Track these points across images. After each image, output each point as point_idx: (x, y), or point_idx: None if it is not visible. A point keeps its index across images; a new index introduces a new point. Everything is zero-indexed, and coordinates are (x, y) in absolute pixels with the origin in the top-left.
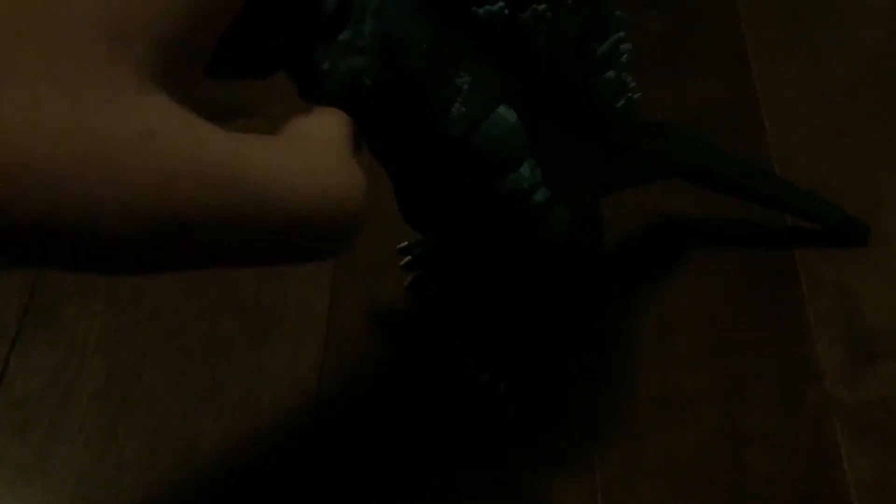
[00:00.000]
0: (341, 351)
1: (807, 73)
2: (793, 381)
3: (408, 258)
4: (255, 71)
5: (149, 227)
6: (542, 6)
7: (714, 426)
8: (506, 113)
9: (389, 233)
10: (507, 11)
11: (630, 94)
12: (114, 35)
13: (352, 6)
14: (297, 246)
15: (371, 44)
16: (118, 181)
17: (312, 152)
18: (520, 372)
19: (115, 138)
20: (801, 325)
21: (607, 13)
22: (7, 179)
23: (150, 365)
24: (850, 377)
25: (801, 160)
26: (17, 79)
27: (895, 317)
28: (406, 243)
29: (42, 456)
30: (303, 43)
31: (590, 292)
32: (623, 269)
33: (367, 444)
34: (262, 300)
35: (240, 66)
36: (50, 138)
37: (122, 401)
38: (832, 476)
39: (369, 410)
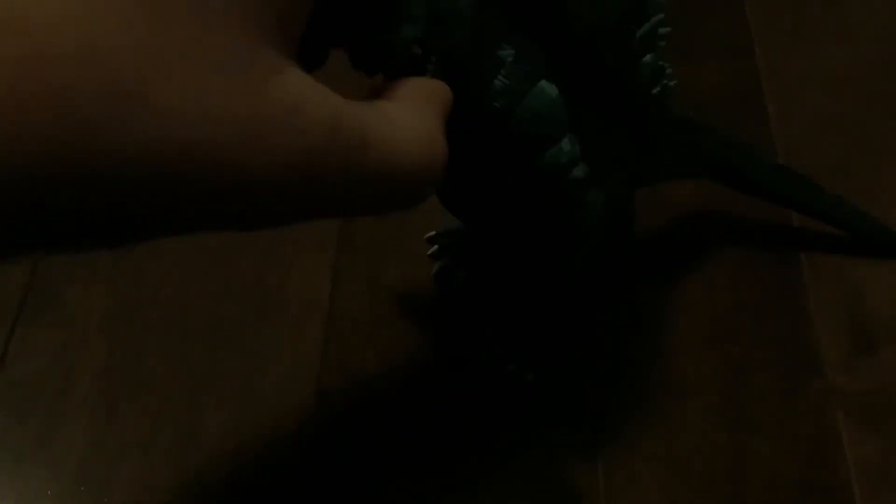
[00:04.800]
0: (343, 334)
1: (811, 61)
2: (794, 370)
3: (435, 247)
4: (309, 58)
5: (295, 194)
6: None
7: (715, 414)
8: (548, 87)
9: (390, 216)
10: None
11: (666, 82)
12: (246, 11)
13: None
14: (397, 198)
15: (420, 13)
16: (271, 157)
17: (412, 125)
18: (547, 361)
19: (267, 116)
20: (803, 314)
21: None
22: (175, 163)
23: (151, 347)
24: (851, 366)
25: (805, 147)
26: (177, 64)
27: None
28: (434, 232)
29: (42, 438)
30: (357, 15)
31: (619, 283)
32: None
33: (369, 429)
34: (264, 283)
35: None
36: (211, 120)
37: (122, 383)
38: (833, 464)
39: (371, 395)
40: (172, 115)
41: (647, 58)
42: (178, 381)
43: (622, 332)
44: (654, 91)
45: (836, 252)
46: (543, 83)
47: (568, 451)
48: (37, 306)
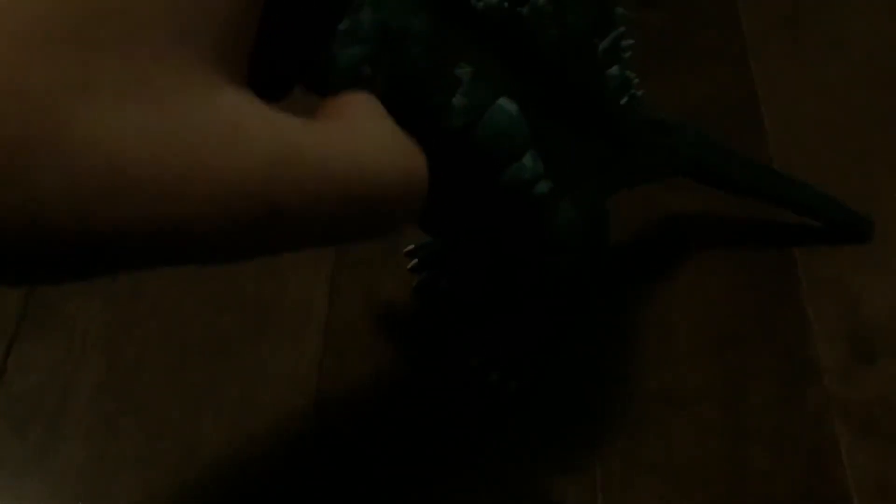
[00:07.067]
0: (341, 347)
1: (806, 71)
2: (793, 379)
3: (414, 261)
4: (273, 89)
5: (243, 218)
6: (542, 0)
7: (714, 423)
8: (507, 104)
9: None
10: (506, 4)
11: (634, 91)
12: (180, 32)
13: None
14: (374, 221)
15: (369, 33)
16: (212, 178)
17: (374, 129)
18: (529, 370)
19: (204, 137)
20: (801, 323)
21: (608, 9)
22: (107, 192)
23: (149, 361)
24: (849, 375)
25: (800, 158)
26: (99, 91)
27: (895, 314)
28: (412, 246)
29: (41, 453)
30: (308, 36)
31: (596, 291)
32: (623, 265)
33: (366, 441)
34: (262, 296)
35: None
36: (143, 146)
37: (121, 397)
38: (832, 474)
39: (369, 407)
40: (103, 146)
41: (613, 69)
42: (176, 394)
43: (619, 342)
44: (622, 101)
45: (834, 261)
46: (503, 100)
47: (565, 462)
48: (36, 321)
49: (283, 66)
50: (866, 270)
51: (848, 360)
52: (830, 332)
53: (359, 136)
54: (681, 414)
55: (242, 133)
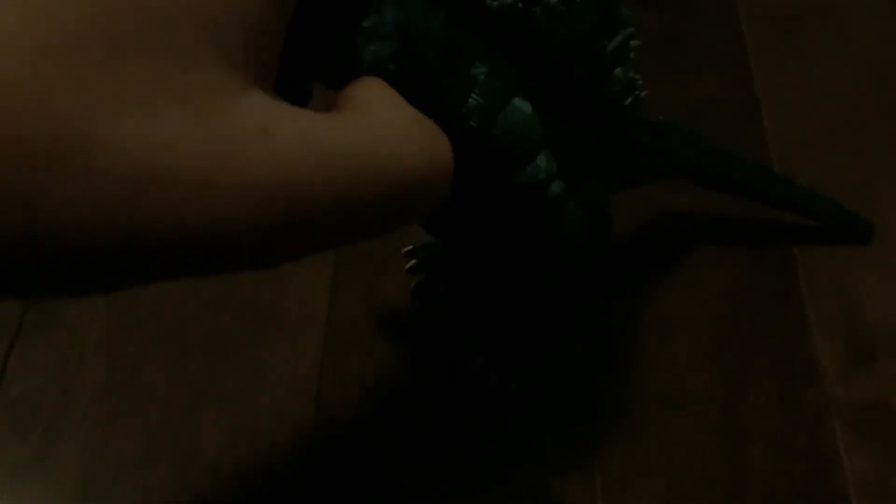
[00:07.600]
0: (341, 349)
1: (806, 72)
2: (792, 381)
3: (413, 262)
4: (293, 95)
5: (277, 220)
6: (555, 0)
7: (713, 425)
8: (522, 104)
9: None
10: (520, 5)
11: (637, 92)
12: (207, 36)
13: None
14: (405, 209)
15: (393, 31)
16: (243, 182)
17: (394, 116)
18: (530, 372)
19: (233, 140)
20: (801, 324)
21: (615, 10)
22: (138, 199)
23: (149, 363)
24: (849, 377)
25: (801, 159)
26: (126, 98)
27: (895, 316)
28: (411, 247)
29: (41, 455)
30: (330, 33)
31: (594, 291)
32: (622, 266)
33: (366, 442)
34: (262, 298)
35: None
36: (171, 151)
37: (122, 399)
38: (831, 476)
39: (369, 408)
40: (130, 153)
41: (618, 70)
42: (176, 396)
43: (619, 343)
44: (626, 102)
45: (834, 263)
46: (517, 100)
47: (565, 463)
48: (36, 323)
49: (305, 68)
50: (866, 271)
51: (847, 361)
52: (830, 333)
53: (381, 125)
54: (681, 414)
55: (271, 135)
